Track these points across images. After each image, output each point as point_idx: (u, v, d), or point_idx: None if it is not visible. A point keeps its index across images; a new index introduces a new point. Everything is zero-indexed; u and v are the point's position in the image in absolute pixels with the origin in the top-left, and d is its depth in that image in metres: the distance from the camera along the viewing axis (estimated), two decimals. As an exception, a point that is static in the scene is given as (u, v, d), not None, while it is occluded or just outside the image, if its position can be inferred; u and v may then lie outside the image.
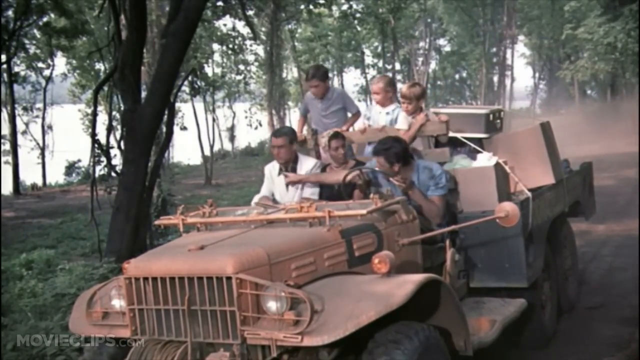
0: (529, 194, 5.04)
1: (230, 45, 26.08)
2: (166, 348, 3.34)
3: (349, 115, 6.26)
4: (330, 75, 37.16)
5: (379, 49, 35.26)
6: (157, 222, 4.56)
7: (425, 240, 4.31)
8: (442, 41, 43.43)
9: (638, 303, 3.88)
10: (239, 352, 3.23)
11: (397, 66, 37.47)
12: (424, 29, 38.45)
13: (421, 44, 39.59)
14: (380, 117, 5.59)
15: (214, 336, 3.30)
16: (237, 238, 3.70)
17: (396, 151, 4.53)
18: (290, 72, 33.78)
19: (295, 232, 3.79)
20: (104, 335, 3.69)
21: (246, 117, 29.80)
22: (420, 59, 39.03)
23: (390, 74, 36.49)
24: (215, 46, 27.14)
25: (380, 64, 35.45)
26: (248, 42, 26.03)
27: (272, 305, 3.21)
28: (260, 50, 27.00)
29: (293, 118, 33.83)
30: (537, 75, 44.76)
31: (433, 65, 41.71)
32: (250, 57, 28.38)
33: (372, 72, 35.27)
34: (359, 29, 32.73)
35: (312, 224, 3.85)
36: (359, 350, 3.39)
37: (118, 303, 3.63)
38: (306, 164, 5.17)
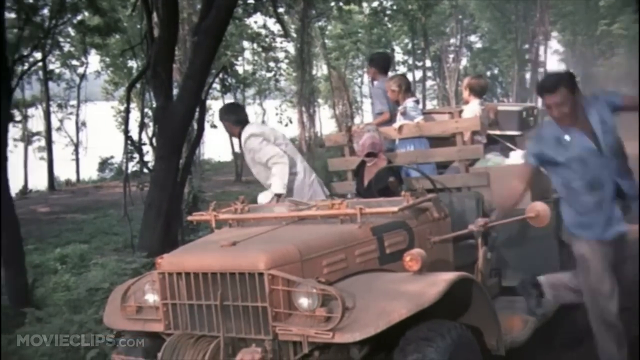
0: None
1: (261, 43, 26.19)
2: (199, 342, 3.37)
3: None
4: (359, 72, 37.16)
5: (409, 45, 35.07)
6: (189, 218, 4.61)
7: (456, 238, 4.29)
8: (473, 38, 43.01)
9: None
10: (270, 347, 3.25)
11: (428, 63, 37.24)
12: (455, 26, 38.12)
13: (452, 40, 39.24)
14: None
15: (246, 331, 3.33)
16: (269, 234, 3.72)
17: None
18: (320, 70, 33.78)
19: (326, 229, 3.80)
20: (137, 329, 3.74)
21: (277, 114, 29.90)
22: (451, 55, 38.69)
23: (421, 71, 36.30)
24: (246, 44, 27.28)
25: (411, 61, 35.28)
26: (278, 40, 26.11)
27: (303, 302, 3.22)
28: (290, 47, 27.09)
29: (323, 115, 33.90)
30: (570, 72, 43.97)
31: (464, 62, 41.34)
32: (281, 55, 28.47)
33: (402, 69, 35.09)
34: (389, 25, 32.57)
35: (343, 221, 3.86)
36: (389, 348, 3.39)
37: (152, 297, 3.68)
38: None
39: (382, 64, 6.56)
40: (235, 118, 5.09)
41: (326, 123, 33.62)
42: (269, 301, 3.25)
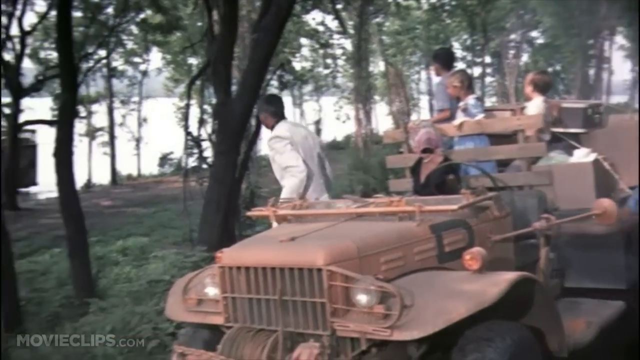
0: (630, 192, 4.82)
1: (319, 40, 26.26)
2: (258, 336, 3.42)
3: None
4: (417, 69, 36.81)
5: (468, 41, 34.52)
6: (249, 214, 4.66)
7: (518, 237, 4.21)
8: (534, 33, 42.01)
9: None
10: (328, 343, 3.27)
11: (487, 59, 36.57)
12: (516, 21, 37.32)
13: (512, 36, 38.43)
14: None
15: (304, 326, 3.36)
16: (327, 230, 3.73)
17: None
18: (377, 66, 33.62)
19: (384, 226, 3.79)
20: (198, 321, 3.82)
21: (335, 111, 29.97)
22: (511, 51, 37.90)
23: (480, 68, 35.67)
24: (303, 40, 27.40)
25: (469, 57, 34.73)
26: (336, 36, 26.13)
27: (361, 298, 3.23)
28: (348, 44, 27.05)
29: (379, 112, 33.73)
30: (637, 68, 42.57)
31: (524, 58, 40.45)
32: (338, 51, 28.48)
33: (460, 66, 34.58)
34: (447, 21, 32.16)
35: (401, 218, 3.84)
36: (446, 347, 3.36)
37: (212, 291, 3.74)
38: None
39: (445, 59, 6.47)
40: (273, 110, 5.09)
41: (382, 120, 33.46)
42: (327, 297, 3.27)
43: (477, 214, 4.04)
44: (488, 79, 38.63)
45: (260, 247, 3.68)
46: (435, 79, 7.43)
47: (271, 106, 5.07)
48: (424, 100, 35.59)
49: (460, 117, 5.44)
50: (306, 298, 3.33)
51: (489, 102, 35.08)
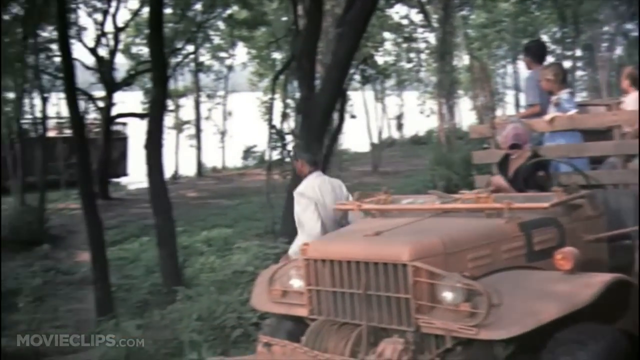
0: None
1: (402, 34, 26.03)
2: (342, 329, 3.43)
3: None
4: (502, 63, 35.86)
5: (558, 34, 33.31)
6: (334, 207, 4.68)
7: (612, 238, 4.04)
8: (630, 25, 40.09)
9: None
10: (412, 339, 3.24)
11: (578, 52, 35.19)
12: (610, 12, 35.71)
13: (606, 28, 36.81)
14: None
15: (388, 321, 3.34)
16: (413, 226, 3.70)
17: None
18: (461, 60, 32.99)
19: (472, 223, 3.72)
20: (282, 312, 3.87)
21: (418, 105, 29.66)
22: (604, 44, 36.32)
23: (570, 61, 34.38)
24: (386, 34, 27.21)
25: (559, 51, 33.53)
26: (420, 30, 25.81)
27: (447, 296, 3.18)
28: (431, 37, 26.68)
29: (463, 107, 33.11)
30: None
31: (619, 51, 38.66)
32: (421, 45, 28.13)
33: (549, 59, 33.43)
34: (536, 13, 31.13)
35: (489, 215, 3.76)
36: (534, 349, 3.27)
37: (297, 283, 3.78)
38: None
39: (537, 52, 6.24)
40: (309, 157, 4.92)
41: (466, 115, 32.83)
42: (411, 293, 3.24)
43: (569, 213, 3.90)
44: (579, 73, 37.17)
45: (345, 240, 3.69)
46: (524, 73, 7.18)
47: (308, 154, 4.94)
48: (509, 95, 34.68)
49: (552, 112, 5.25)
50: (390, 293, 3.32)
51: (580, 96, 33.77)
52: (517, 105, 29.57)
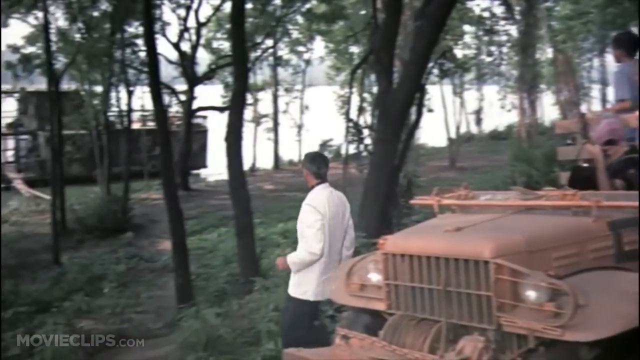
0: None
1: (483, 27, 25.48)
2: (420, 325, 3.40)
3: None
4: (588, 56, 34.55)
5: (649, 26, 31.78)
6: (413, 202, 4.66)
7: None
8: None
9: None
10: (494, 338, 3.18)
11: (671, 45, 33.44)
12: None
13: (702, 19, 34.82)
14: None
15: (468, 319, 3.29)
16: (494, 222, 3.63)
17: None
18: (545, 53, 31.99)
19: (557, 221, 3.61)
20: (360, 306, 3.87)
21: (499, 100, 28.97)
22: (700, 36, 34.35)
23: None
24: (467, 27, 26.72)
25: (650, 43, 31.94)
26: (501, 23, 25.19)
27: (531, 294, 3.10)
28: (513, 30, 25.99)
29: (545, 101, 32.14)
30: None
31: None
32: (503, 38, 27.44)
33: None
34: (626, 4, 29.79)
35: (575, 213, 3.64)
36: (620, 354, 3.14)
37: (375, 277, 3.77)
38: None
39: (629, 45, 5.94)
40: (315, 170, 4.78)
41: (548, 110, 31.83)
42: (493, 290, 3.17)
43: (662, 213, 3.72)
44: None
45: (425, 235, 3.66)
46: (612, 67, 6.89)
47: (313, 166, 4.82)
48: (595, 90, 33.36)
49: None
50: (471, 290, 3.26)
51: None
52: (604, 100, 28.41)
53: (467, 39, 28.24)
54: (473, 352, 3.12)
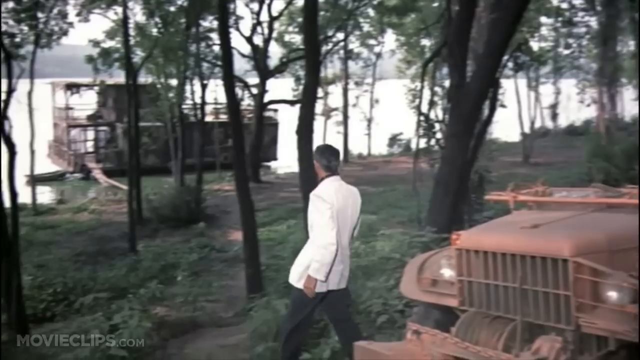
0: None
1: (561, 18, 24.71)
2: (494, 323, 3.34)
3: None
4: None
5: None
6: (488, 197, 4.56)
7: None
8: None
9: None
10: (572, 338, 3.09)
11: None
12: None
13: None
14: None
15: (544, 318, 3.20)
16: (573, 220, 3.52)
17: None
18: (626, 46, 30.75)
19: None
20: (431, 301, 3.83)
21: (577, 94, 28.09)
22: None
23: None
24: (543, 19, 25.98)
25: None
26: (580, 14, 24.36)
27: (612, 295, 2.99)
28: (593, 21, 25.10)
29: (626, 96, 30.94)
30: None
31: None
32: (582, 30, 26.54)
33: None
34: None
35: (660, 213, 3.48)
36: None
37: (447, 272, 3.72)
38: None
39: None
40: (325, 163, 4.60)
41: (629, 105, 30.58)
42: (572, 290, 3.08)
43: None
44: None
45: (500, 232, 3.57)
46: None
47: (323, 159, 4.66)
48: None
49: None
50: (548, 289, 3.17)
51: None
52: None
53: (544, 30, 27.47)
54: (550, 352, 3.03)
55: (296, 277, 4.53)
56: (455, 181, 8.76)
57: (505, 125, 27.24)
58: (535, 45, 26.47)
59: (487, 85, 9.08)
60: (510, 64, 19.28)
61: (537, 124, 31.02)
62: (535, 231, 3.34)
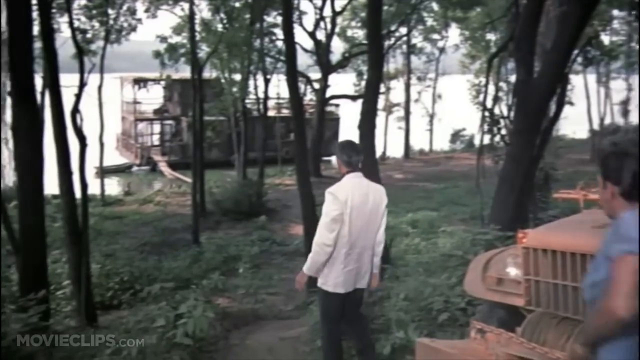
0: None
1: (634, 11, 23.81)
2: (562, 323, 3.26)
3: None
4: None
5: None
6: (556, 195, 4.44)
7: None
8: None
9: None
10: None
11: None
12: None
13: None
14: None
15: None
16: (648, 220, 3.39)
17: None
18: None
19: None
20: (496, 300, 3.77)
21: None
22: None
23: None
24: (615, 12, 25.08)
25: None
26: (656, 6, 23.40)
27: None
28: (670, 14, 24.08)
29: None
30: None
31: None
32: (656, 23, 25.50)
33: None
34: None
35: None
36: None
37: (513, 271, 3.65)
38: None
39: None
40: (346, 159, 4.48)
41: None
42: (645, 293, 2.97)
43: None
44: None
45: (570, 231, 3.48)
46: None
47: (344, 155, 4.51)
48: None
49: None
50: (619, 291, 3.07)
51: None
52: None
53: (616, 24, 26.53)
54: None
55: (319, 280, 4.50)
56: (520, 178, 8.58)
57: (573, 122, 26.52)
58: (606, 39, 25.63)
59: (555, 81, 8.84)
60: (579, 59, 18.73)
61: (607, 121, 30.04)
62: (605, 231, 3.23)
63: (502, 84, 17.98)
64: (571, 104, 24.01)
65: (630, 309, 1.89)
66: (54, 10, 14.76)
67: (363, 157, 4.64)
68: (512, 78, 15.06)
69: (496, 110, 15.69)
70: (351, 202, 4.33)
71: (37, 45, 8.52)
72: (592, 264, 2.19)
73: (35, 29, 7.82)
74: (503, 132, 12.11)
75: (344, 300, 4.44)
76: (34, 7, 7.49)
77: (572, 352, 2.21)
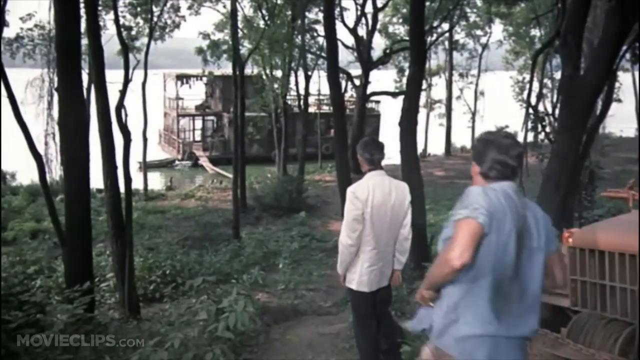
0: None
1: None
2: (610, 325, 3.19)
3: None
4: None
5: None
6: (604, 194, 4.35)
7: None
8: None
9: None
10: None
11: None
12: None
13: None
14: None
15: None
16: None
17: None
18: None
19: None
20: (541, 300, 3.69)
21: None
22: None
23: None
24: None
25: None
26: None
27: None
28: None
29: None
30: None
31: None
32: None
33: None
34: None
35: None
36: None
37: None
38: None
39: None
40: (368, 157, 4.43)
41: None
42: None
43: None
44: None
45: (619, 231, 3.40)
46: None
47: (366, 152, 4.42)
48: None
49: None
50: (671, 293, 2.99)
51: None
52: None
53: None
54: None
55: (347, 278, 4.51)
56: (565, 177, 8.42)
57: (621, 120, 25.90)
58: (656, 34, 24.93)
59: (603, 78, 8.64)
60: (628, 55, 18.28)
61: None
62: (657, 232, 3.15)
63: (547, 81, 17.68)
64: (619, 101, 23.45)
65: (462, 261, 2.34)
66: (100, 8, 15.04)
67: (384, 156, 4.59)
68: (558, 75, 14.79)
69: (540, 108, 15.46)
70: (372, 201, 4.31)
71: (84, 42, 8.67)
72: (447, 223, 2.63)
73: (82, 27, 7.97)
74: (547, 129, 11.90)
75: (373, 298, 4.44)
76: (81, 5, 7.62)
77: (419, 295, 2.65)
